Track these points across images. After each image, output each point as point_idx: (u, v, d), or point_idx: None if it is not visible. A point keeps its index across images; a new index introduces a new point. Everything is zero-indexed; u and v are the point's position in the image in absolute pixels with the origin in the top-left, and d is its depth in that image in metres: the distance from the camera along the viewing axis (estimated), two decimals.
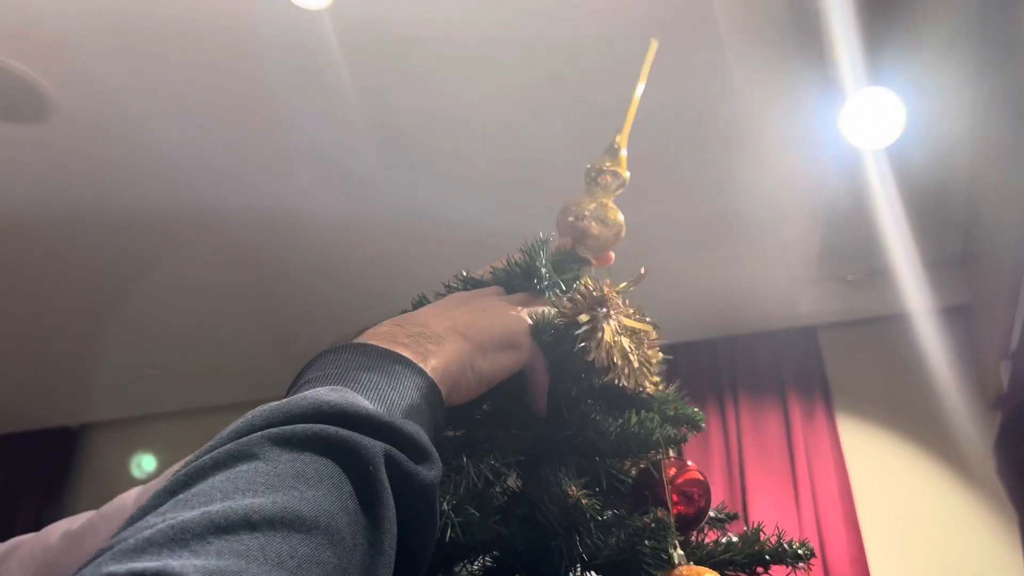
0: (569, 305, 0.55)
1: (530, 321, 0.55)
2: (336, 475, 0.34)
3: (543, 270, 0.59)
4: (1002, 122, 2.06)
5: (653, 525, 0.48)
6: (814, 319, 3.10)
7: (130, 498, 0.64)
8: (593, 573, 0.50)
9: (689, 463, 0.59)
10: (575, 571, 0.50)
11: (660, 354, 0.58)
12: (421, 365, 0.46)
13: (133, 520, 0.31)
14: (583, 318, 0.54)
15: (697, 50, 1.93)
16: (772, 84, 2.04)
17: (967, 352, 2.84)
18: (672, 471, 0.57)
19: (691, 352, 3.15)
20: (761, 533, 0.57)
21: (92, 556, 0.28)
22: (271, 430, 0.35)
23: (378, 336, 0.48)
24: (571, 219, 0.65)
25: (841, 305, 3.04)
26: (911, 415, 2.86)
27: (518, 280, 0.60)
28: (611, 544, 0.49)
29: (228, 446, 0.34)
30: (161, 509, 0.30)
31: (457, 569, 0.51)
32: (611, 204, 0.66)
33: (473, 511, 0.46)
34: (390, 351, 0.46)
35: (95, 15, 1.83)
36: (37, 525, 0.65)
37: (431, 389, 0.46)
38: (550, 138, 2.19)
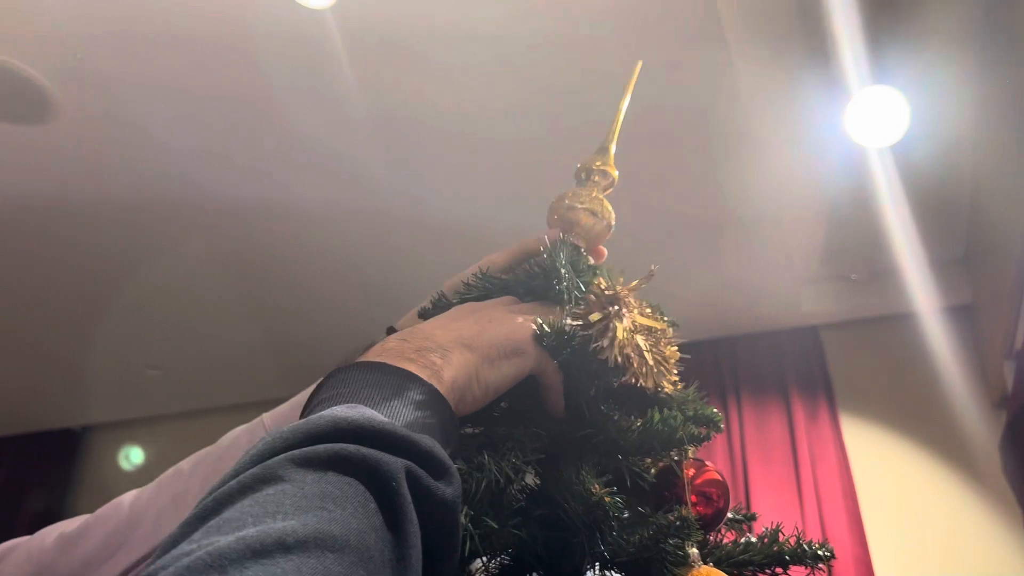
0: (582, 306, 0.55)
1: (534, 326, 0.55)
2: (360, 493, 0.35)
3: (563, 270, 0.59)
4: (1006, 121, 2.06)
5: (678, 523, 0.48)
6: (817, 318, 3.09)
7: (125, 501, 0.64)
8: (609, 572, 0.50)
9: (707, 463, 0.59)
10: (593, 569, 0.50)
11: (678, 353, 0.58)
12: (429, 380, 0.47)
13: (165, 549, 0.31)
14: (594, 317, 0.53)
15: (702, 49, 1.93)
16: (776, 83, 2.04)
17: (971, 351, 2.83)
18: (691, 471, 0.57)
19: (694, 351, 3.11)
20: (780, 534, 0.57)
21: None
22: (293, 452, 0.35)
23: (385, 352, 0.49)
24: (563, 209, 0.66)
25: (845, 304, 3.03)
26: (914, 415, 2.85)
27: (538, 280, 0.59)
28: (634, 542, 0.49)
29: (253, 470, 0.34)
30: (194, 536, 0.31)
31: (474, 567, 0.51)
32: (603, 198, 0.67)
33: (491, 522, 0.46)
34: (398, 368, 0.47)
35: (96, 15, 1.83)
36: (39, 527, 0.65)
37: (440, 403, 0.46)
38: (551, 135, 2.19)
